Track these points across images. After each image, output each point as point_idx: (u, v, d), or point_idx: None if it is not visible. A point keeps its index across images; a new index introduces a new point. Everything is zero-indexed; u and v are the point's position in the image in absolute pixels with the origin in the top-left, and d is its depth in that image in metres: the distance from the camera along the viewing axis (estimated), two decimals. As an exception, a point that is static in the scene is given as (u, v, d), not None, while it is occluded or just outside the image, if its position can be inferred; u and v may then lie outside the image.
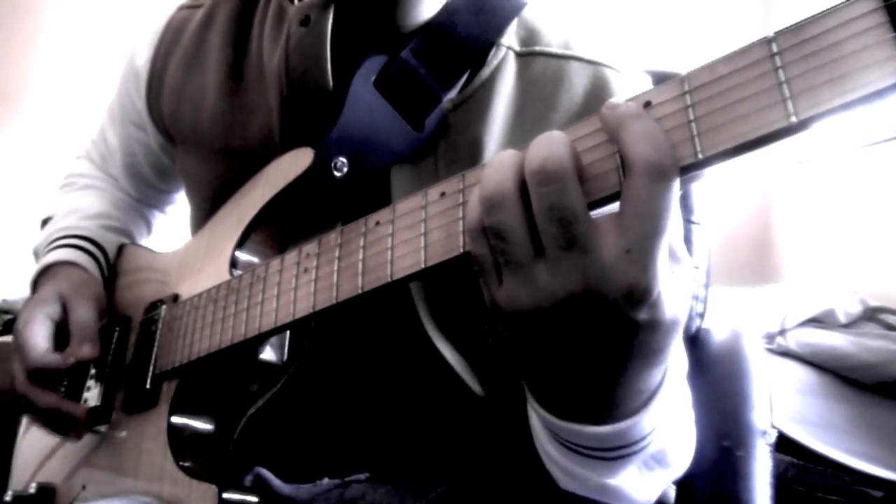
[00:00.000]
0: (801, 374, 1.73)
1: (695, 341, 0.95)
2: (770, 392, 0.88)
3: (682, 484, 0.81)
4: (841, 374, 1.71)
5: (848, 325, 1.85)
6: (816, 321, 1.86)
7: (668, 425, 0.52)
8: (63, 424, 0.80)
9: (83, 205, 0.98)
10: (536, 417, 0.55)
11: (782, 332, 1.85)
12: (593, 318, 0.41)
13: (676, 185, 0.39)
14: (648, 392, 0.47)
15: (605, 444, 0.49)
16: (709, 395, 0.85)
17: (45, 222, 1.00)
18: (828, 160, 2.33)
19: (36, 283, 0.89)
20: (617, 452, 0.50)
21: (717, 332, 0.96)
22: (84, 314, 0.82)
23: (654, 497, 0.58)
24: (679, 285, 0.43)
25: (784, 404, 1.56)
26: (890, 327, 1.84)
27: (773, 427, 0.85)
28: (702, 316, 0.98)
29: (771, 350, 1.82)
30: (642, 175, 0.38)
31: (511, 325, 0.44)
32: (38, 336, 0.79)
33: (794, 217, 2.49)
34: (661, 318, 0.42)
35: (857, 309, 1.87)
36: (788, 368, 1.75)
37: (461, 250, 0.48)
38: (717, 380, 0.89)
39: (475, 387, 0.68)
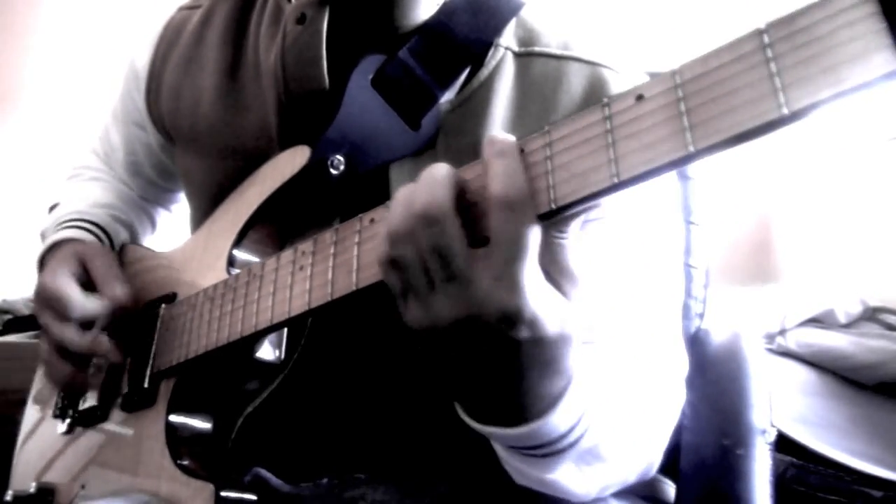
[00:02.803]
0: (801, 374, 1.73)
1: (695, 341, 0.95)
2: (770, 391, 0.88)
3: (682, 482, 0.81)
4: (841, 374, 1.71)
5: (848, 326, 1.84)
6: (816, 321, 1.86)
7: (599, 423, 0.55)
8: (99, 380, 0.80)
9: (92, 194, 0.99)
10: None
11: (782, 332, 1.85)
12: (480, 338, 0.46)
13: (533, 220, 0.44)
14: (551, 397, 0.50)
15: (525, 443, 0.53)
16: (709, 394, 0.85)
17: (52, 209, 1.00)
18: (827, 160, 2.33)
19: (42, 260, 0.88)
20: (543, 450, 0.53)
21: (717, 332, 0.96)
22: (104, 264, 0.82)
23: (595, 489, 0.61)
24: (562, 302, 0.48)
25: (784, 404, 1.56)
26: (890, 327, 1.84)
27: (773, 426, 0.85)
28: (701, 316, 0.98)
29: (771, 350, 1.82)
30: (496, 209, 0.44)
31: (420, 341, 0.50)
32: (71, 286, 0.78)
33: (794, 217, 2.49)
34: (543, 335, 0.47)
35: (857, 309, 1.87)
36: (788, 368, 1.75)
37: None
38: (716, 379, 0.89)
39: None
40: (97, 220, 0.94)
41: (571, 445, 0.53)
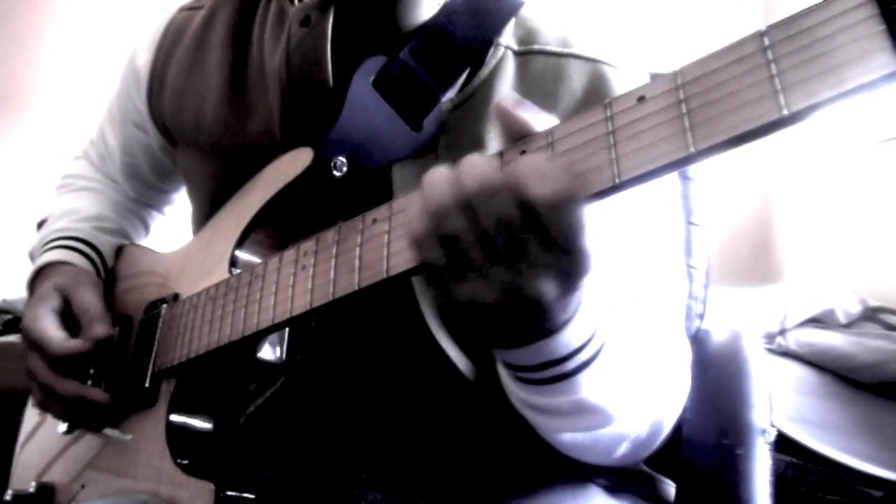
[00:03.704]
0: (801, 374, 1.73)
1: (695, 341, 0.95)
2: (769, 391, 0.88)
3: (682, 482, 0.81)
4: (841, 374, 1.71)
5: (848, 325, 1.84)
6: (816, 321, 1.86)
7: (610, 346, 0.55)
8: (86, 414, 0.80)
9: (78, 206, 0.98)
10: (500, 362, 0.58)
11: (782, 332, 1.85)
12: (562, 292, 0.46)
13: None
14: (562, 320, 0.51)
15: (533, 361, 0.53)
16: (708, 394, 0.85)
17: (40, 224, 1.00)
18: (827, 160, 2.33)
19: (32, 286, 0.89)
20: (548, 371, 0.53)
21: (717, 332, 0.96)
22: (86, 298, 0.83)
23: (607, 446, 0.62)
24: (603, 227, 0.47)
25: (784, 404, 1.56)
26: (890, 327, 1.84)
27: (773, 426, 0.85)
28: (701, 316, 0.98)
29: (771, 350, 1.82)
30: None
31: (467, 316, 0.49)
32: (51, 328, 0.80)
33: (794, 217, 2.49)
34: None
35: (857, 309, 1.87)
36: (788, 368, 1.75)
37: None
38: (716, 379, 0.89)
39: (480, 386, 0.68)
40: (83, 235, 0.94)
41: (573, 368, 0.54)
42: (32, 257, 0.95)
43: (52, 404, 0.81)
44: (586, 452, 0.64)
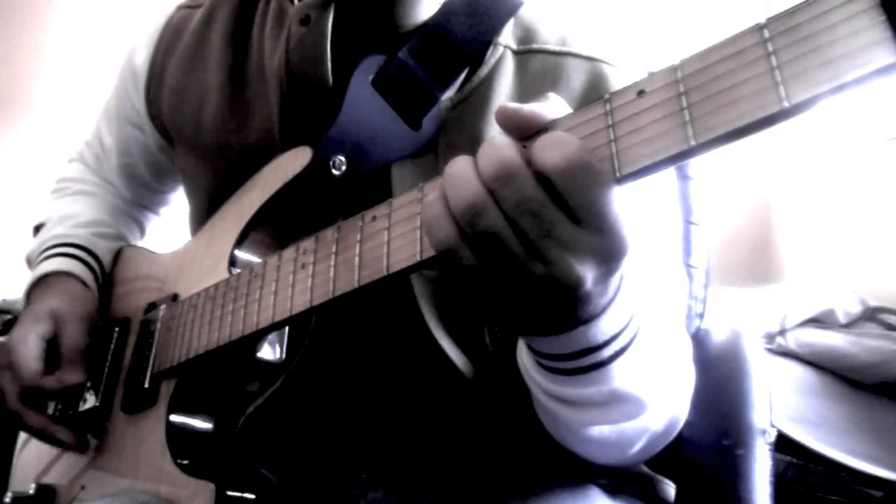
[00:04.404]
0: (801, 374, 1.73)
1: (695, 341, 0.95)
2: (770, 391, 0.88)
3: (682, 482, 0.81)
4: (841, 374, 1.71)
5: (848, 325, 1.85)
6: (816, 321, 1.86)
7: (643, 335, 0.54)
8: (54, 442, 0.81)
9: (75, 211, 0.98)
10: (525, 349, 0.58)
11: (782, 332, 1.85)
12: (599, 278, 0.45)
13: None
14: (602, 305, 0.49)
15: (568, 349, 0.52)
16: (708, 394, 0.85)
17: (37, 229, 0.99)
18: (827, 160, 2.34)
19: (30, 294, 0.89)
20: (585, 359, 0.52)
21: (717, 332, 0.96)
22: (74, 336, 0.83)
23: (625, 445, 0.61)
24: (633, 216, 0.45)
25: (784, 404, 1.56)
26: (890, 327, 1.84)
27: (773, 426, 0.85)
28: (701, 316, 0.98)
29: (771, 350, 1.82)
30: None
31: (502, 310, 0.48)
32: (32, 357, 0.80)
33: (794, 217, 2.49)
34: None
35: (857, 309, 1.87)
36: (788, 368, 1.75)
37: None
38: (716, 379, 0.88)
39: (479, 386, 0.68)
40: (82, 242, 0.93)
41: (608, 356, 0.52)
42: (30, 262, 0.95)
43: (22, 429, 0.83)
44: (608, 449, 0.63)
